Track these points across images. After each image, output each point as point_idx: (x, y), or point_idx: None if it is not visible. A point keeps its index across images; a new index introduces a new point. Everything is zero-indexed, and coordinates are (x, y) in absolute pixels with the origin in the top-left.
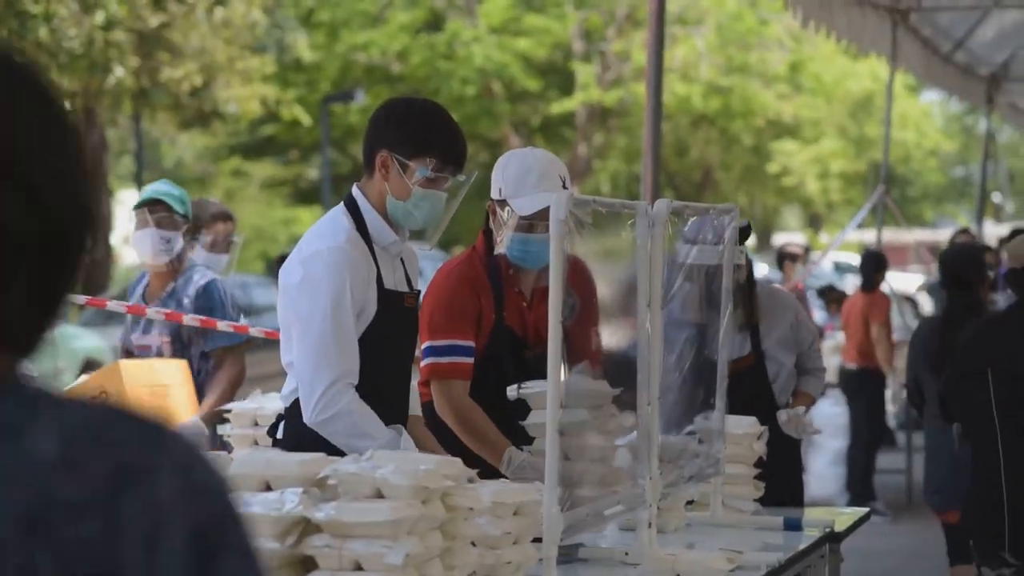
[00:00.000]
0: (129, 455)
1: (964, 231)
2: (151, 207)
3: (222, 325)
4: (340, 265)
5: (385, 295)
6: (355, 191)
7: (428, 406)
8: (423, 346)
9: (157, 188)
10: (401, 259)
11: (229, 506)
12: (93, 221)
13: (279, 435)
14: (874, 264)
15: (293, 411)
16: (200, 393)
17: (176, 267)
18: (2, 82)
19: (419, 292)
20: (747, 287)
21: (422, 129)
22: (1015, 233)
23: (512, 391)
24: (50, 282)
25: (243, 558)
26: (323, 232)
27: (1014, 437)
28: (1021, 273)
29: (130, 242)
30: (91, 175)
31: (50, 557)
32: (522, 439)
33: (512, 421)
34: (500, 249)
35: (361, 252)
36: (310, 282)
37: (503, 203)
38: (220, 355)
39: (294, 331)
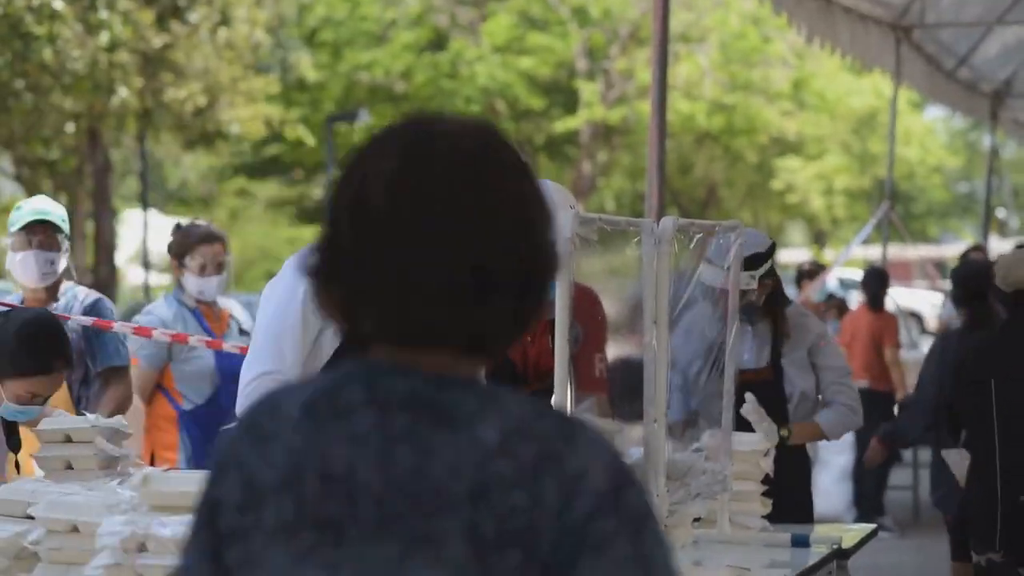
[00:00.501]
0: (549, 445)
1: (977, 248)
2: (31, 228)
3: (193, 340)
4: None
5: None
6: None
7: None
8: None
9: (37, 207)
10: None
11: (619, 488)
12: (554, 262)
13: None
14: (880, 281)
15: None
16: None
17: (54, 289)
18: (497, 154)
19: None
20: (774, 300)
21: None
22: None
23: None
24: (523, 309)
25: (631, 529)
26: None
27: (1011, 440)
28: (1008, 295)
29: (8, 265)
30: (550, 227)
31: (491, 519)
32: None
33: None
34: None
35: None
36: (272, 285)
37: None
38: (107, 375)
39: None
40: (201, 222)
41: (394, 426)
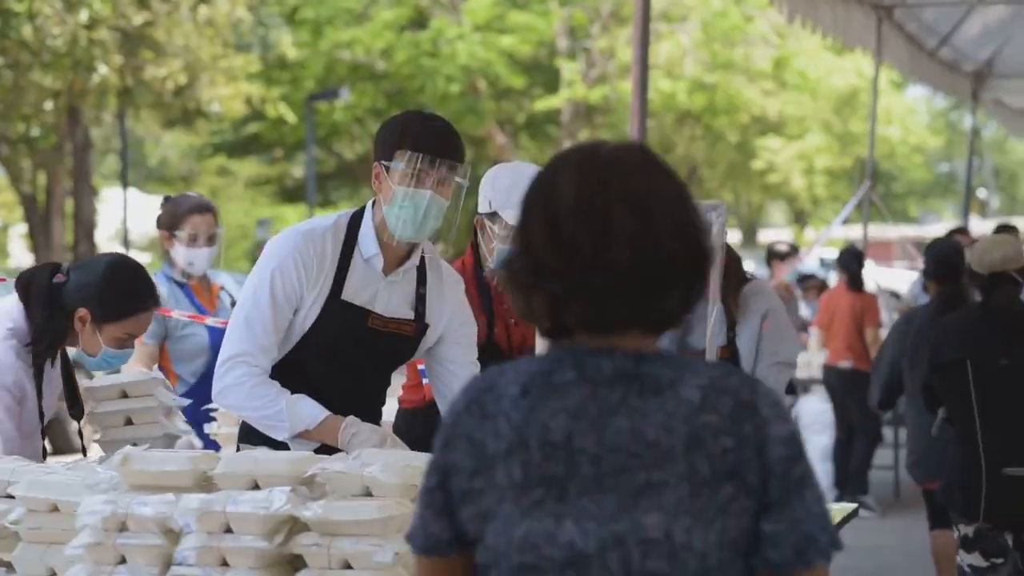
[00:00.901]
0: (741, 396)
1: (961, 231)
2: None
3: (175, 314)
4: (278, 252)
5: (340, 305)
6: (370, 203)
7: (408, 413)
8: (421, 365)
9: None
10: (422, 287)
11: (796, 427)
12: (709, 252)
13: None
14: (857, 261)
15: None
16: None
17: None
18: (658, 165)
19: (427, 326)
20: (730, 280)
21: (398, 128)
22: (1000, 229)
23: None
24: (690, 292)
25: (807, 463)
26: (294, 228)
27: (990, 417)
28: (984, 278)
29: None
30: (703, 223)
31: (706, 462)
32: None
33: None
34: (489, 263)
35: (319, 251)
36: (262, 257)
37: (493, 216)
38: None
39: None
40: (192, 193)
41: (607, 399)
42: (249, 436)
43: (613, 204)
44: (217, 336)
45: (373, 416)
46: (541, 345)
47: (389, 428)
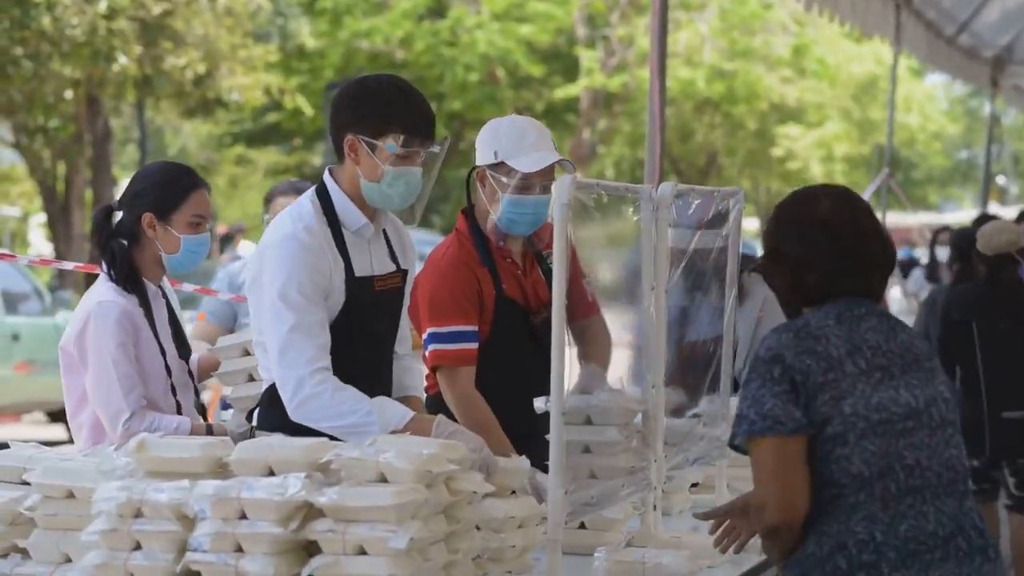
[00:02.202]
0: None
1: (989, 217)
2: None
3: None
4: (293, 253)
5: (355, 282)
6: (326, 176)
7: (434, 398)
8: (425, 333)
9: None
10: (386, 237)
11: None
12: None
13: (255, 422)
14: None
15: (267, 398)
16: None
17: None
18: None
19: (405, 271)
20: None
21: (380, 105)
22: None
23: (540, 403)
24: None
25: None
26: (284, 220)
27: (991, 368)
28: (990, 258)
29: None
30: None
31: (934, 360)
32: (531, 431)
33: (525, 401)
34: (493, 216)
35: (322, 240)
36: (268, 272)
37: (499, 166)
38: None
39: (264, 317)
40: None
41: (887, 324)
42: (266, 422)
43: (862, 218)
44: None
45: (386, 384)
46: (558, 297)
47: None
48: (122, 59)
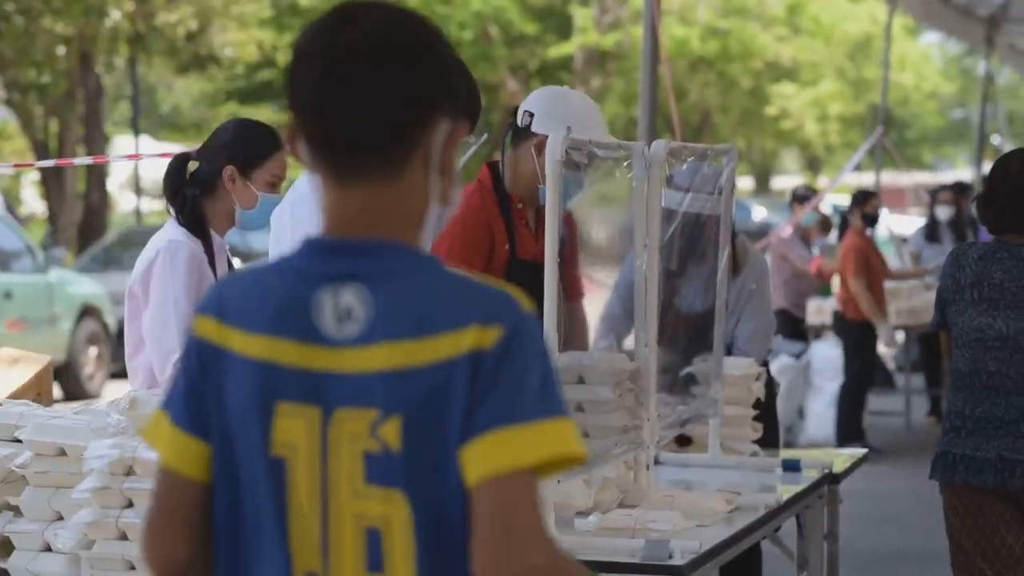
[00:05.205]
0: None
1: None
2: None
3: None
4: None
5: None
6: None
7: None
8: None
9: None
10: None
11: None
12: None
13: None
14: (853, 203)
15: None
16: None
17: None
18: None
19: None
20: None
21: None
22: None
23: None
24: None
25: None
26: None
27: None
28: None
29: None
30: None
31: None
32: None
33: None
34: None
35: None
36: (301, 222)
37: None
38: None
39: None
40: None
41: (1019, 266)
42: None
43: None
44: None
45: None
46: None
47: None
48: (114, 15)
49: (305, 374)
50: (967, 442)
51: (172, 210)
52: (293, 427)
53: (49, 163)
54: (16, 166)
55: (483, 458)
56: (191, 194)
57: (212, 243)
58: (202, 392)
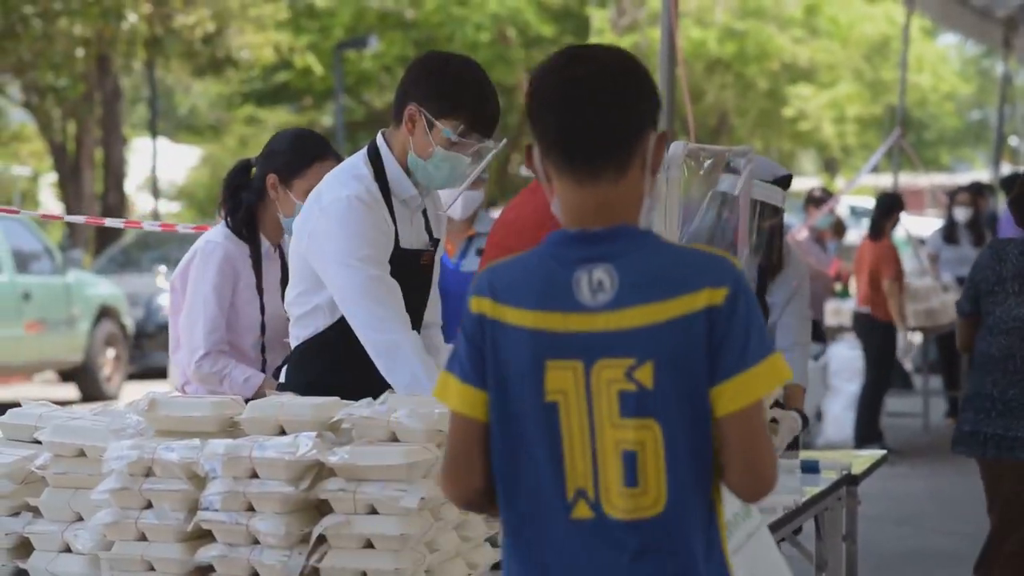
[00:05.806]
0: None
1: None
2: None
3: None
4: (360, 212)
5: (400, 254)
6: (380, 140)
7: None
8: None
9: None
10: (424, 209)
11: None
12: None
13: (282, 379)
14: (885, 208)
15: (295, 357)
16: None
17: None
18: None
19: (438, 241)
20: (777, 234)
21: (454, 92)
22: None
23: None
24: None
25: None
26: (343, 179)
27: None
28: None
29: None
30: None
31: None
32: None
33: None
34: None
35: (379, 205)
36: (339, 225)
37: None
38: None
39: (325, 277)
40: None
41: None
42: (293, 381)
43: None
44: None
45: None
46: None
47: None
48: (132, 17)
49: (569, 336)
50: (998, 422)
51: (221, 212)
52: (562, 378)
53: (80, 218)
54: (44, 217)
55: (732, 397)
56: (246, 199)
57: (259, 247)
58: (481, 352)
